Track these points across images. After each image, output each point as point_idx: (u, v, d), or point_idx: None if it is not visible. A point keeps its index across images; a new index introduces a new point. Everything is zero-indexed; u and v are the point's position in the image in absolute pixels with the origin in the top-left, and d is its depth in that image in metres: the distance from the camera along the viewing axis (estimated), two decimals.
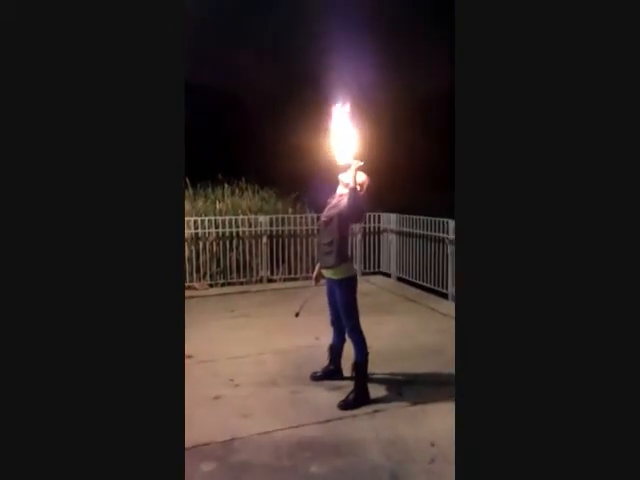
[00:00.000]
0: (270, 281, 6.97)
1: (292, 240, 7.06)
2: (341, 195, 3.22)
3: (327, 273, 3.27)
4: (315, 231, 6.78)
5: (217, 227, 6.77)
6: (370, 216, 7.32)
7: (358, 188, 3.10)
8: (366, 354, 3.21)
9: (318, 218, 3.46)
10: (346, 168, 3.17)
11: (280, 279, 7.04)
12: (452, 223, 5.77)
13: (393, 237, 7.10)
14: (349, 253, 3.32)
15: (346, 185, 3.15)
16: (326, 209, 3.30)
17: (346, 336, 3.33)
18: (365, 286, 6.28)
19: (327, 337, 3.58)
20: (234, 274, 6.83)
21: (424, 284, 6.34)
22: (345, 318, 3.22)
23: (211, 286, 6.70)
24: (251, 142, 10.68)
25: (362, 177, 3.19)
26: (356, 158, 3.14)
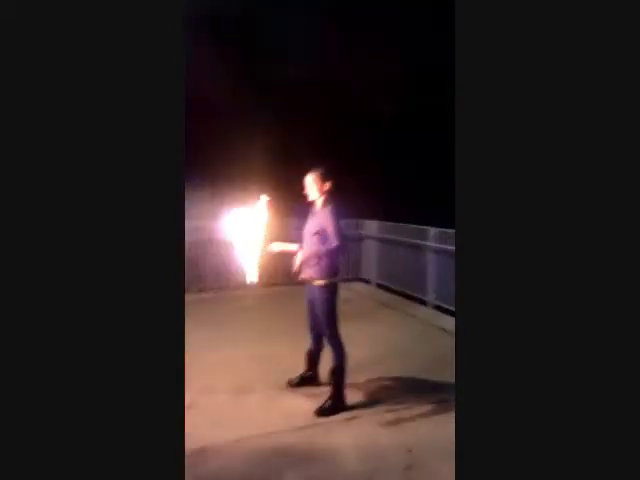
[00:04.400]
0: (248, 287, 6.88)
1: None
2: (316, 210, 3.23)
3: (305, 276, 3.24)
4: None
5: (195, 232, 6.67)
6: (351, 223, 7.30)
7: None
8: (344, 360, 3.17)
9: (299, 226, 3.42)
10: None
11: (259, 284, 6.96)
12: (432, 230, 5.78)
13: (374, 244, 7.09)
14: (336, 267, 3.22)
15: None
16: (307, 223, 3.27)
17: (324, 342, 3.28)
18: (345, 293, 6.22)
19: (305, 343, 3.52)
20: (211, 279, 6.74)
21: (404, 291, 6.33)
22: (325, 324, 3.18)
23: (187, 291, 6.60)
24: (234, 147, 10.62)
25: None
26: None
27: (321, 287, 3.15)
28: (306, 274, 3.22)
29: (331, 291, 3.17)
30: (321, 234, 3.12)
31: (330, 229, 3.08)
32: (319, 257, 3.12)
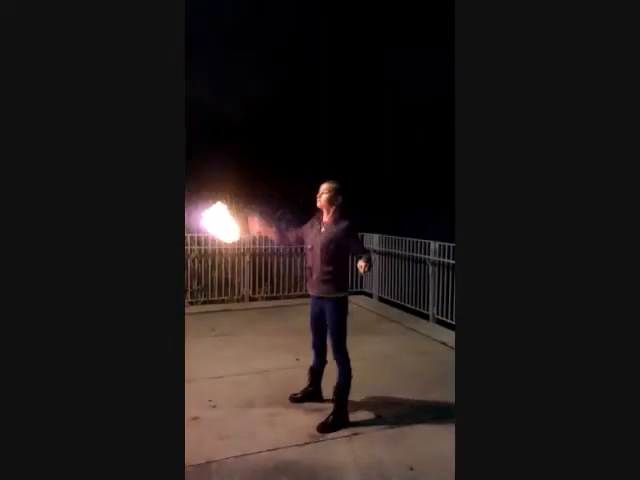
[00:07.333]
0: (252, 300, 6.92)
1: (274, 259, 7.05)
2: (328, 223, 3.20)
3: (319, 292, 3.22)
4: (297, 250, 6.78)
5: (199, 244, 6.73)
6: None
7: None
8: (350, 378, 3.18)
9: (301, 238, 3.44)
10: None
11: (262, 298, 7.01)
12: (434, 244, 5.83)
13: (375, 257, 7.13)
14: (348, 281, 3.38)
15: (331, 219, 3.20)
16: (317, 235, 3.21)
17: (330, 358, 3.29)
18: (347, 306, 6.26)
19: (308, 358, 3.55)
20: (215, 292, 6.78)
21: (405, 304, 6.37)
22: (334, 338, 3.18)
23: (192, 304, 6.63)
24: (234, 159, 10.72)
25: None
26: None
27: (334, 298, 3.17)
28: (318, 287, 3.20)
29: (344, 303, 3.21)
30: (340, 246, 3.14)
31: (354, 241, 3.18)
32: (337, 270, 3.17)
